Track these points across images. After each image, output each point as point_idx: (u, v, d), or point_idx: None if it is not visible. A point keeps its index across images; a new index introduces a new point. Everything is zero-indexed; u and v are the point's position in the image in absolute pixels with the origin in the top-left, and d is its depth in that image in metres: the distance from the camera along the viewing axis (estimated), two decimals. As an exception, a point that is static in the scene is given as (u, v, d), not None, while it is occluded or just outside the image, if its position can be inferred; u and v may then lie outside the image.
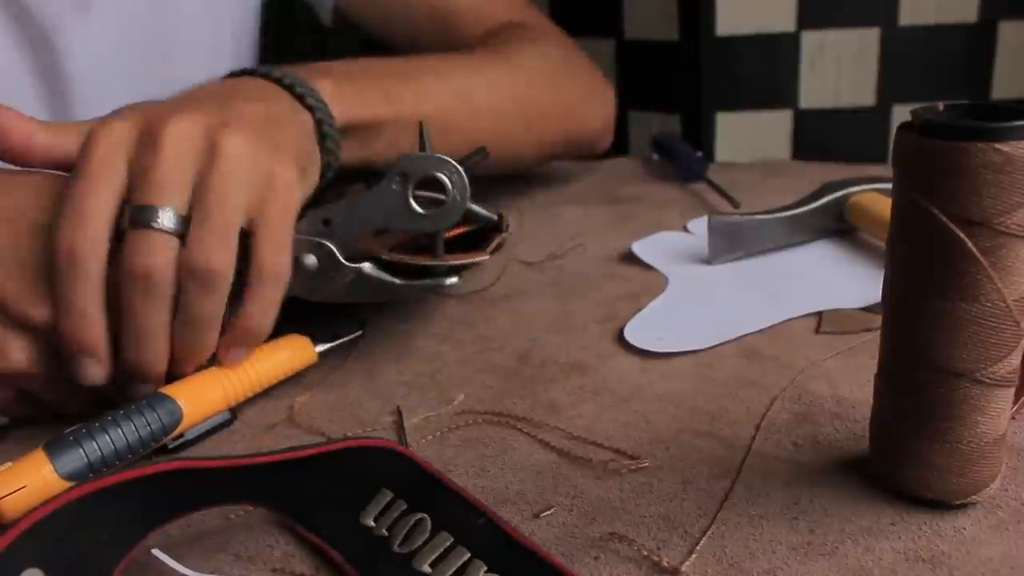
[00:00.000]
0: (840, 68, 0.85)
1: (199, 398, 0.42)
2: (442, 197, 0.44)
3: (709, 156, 0.88)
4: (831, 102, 0.87)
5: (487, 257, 0.48)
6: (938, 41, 0.83)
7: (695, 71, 0.87)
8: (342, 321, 0.53)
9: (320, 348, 0.47)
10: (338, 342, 0.48)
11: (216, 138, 0.41)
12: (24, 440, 0.43)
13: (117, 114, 0.42)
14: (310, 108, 0.48)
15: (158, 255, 0.39)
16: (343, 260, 0.44)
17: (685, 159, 0.80)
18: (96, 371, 0.41)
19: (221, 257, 0.40)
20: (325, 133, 0.48)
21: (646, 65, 0.93)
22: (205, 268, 0.40)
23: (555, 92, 0.70)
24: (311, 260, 0.44)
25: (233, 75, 0.50)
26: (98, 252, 0.39)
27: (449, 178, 0.44)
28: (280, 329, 0.46)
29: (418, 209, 0.44)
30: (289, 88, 0.48)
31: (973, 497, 0.33)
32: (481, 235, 0.52)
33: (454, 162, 0.44)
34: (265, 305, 0.42)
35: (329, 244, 0.44)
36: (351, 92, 0.52)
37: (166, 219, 0.39)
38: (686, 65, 0.88)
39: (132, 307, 0.40)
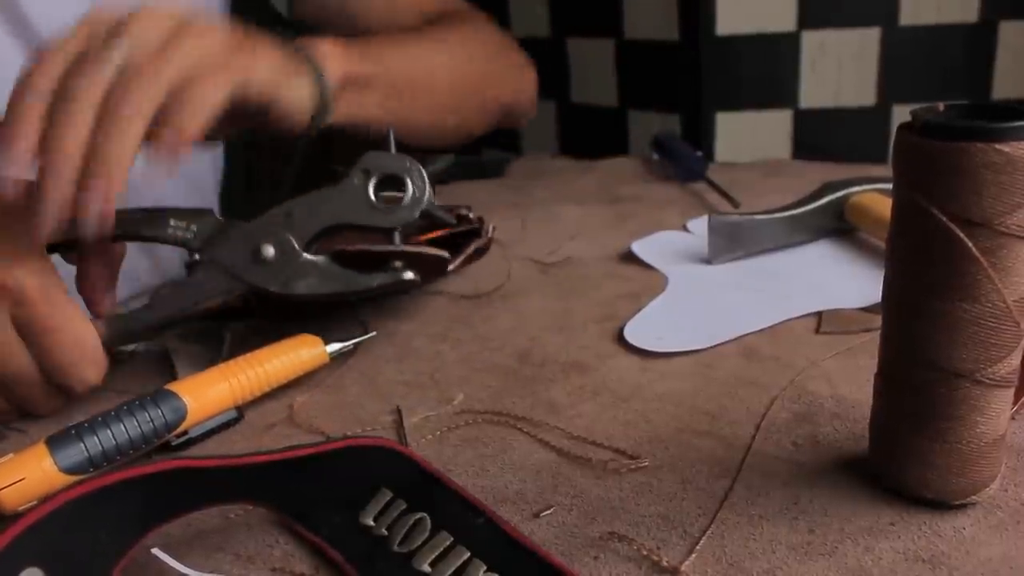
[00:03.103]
0: (840, 68, 0.85)
1: (205, 395, 0.42)
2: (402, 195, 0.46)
3: (709, 156, 0.88)
4: (831, 102, 0.87)
5: (445, 254, 0.49)
6: (938, 41, 0.83)
7: (695, 71, 0.87)
8: (349, 323, 0.53)
9: (331, 348, 0.47)
10: (351, 343, 0.48)
11: (180, 28, 0.44)
12: (24, 439, 0.43)
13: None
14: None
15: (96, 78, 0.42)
16: (302, 251, 0.45)
17: (685, 159, 0.80)
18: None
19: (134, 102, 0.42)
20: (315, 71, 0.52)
21: (646, 65, 0.93)
22: (119, 115, 0.42)
23: (496, 63, 0.77)
24: (270, 251, 0.45)
25: None
26: (49, 75, 0.42)
27: (410, 176, 0.46)
28: (291, 331, 0.47)
29: (377, 204, 0.45)
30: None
31: (973, 497, 0.33)
32: (464, 239, 0.53)
33: (415, 162, 0.46)
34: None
35: (288, 235, 0.45)
36: (346, 50, 0.56)
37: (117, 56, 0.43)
38: (686, 65, 0.88)
39: (66, 97, 0.42)
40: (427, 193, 0.46)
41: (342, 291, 0.46)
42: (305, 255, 0.45)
